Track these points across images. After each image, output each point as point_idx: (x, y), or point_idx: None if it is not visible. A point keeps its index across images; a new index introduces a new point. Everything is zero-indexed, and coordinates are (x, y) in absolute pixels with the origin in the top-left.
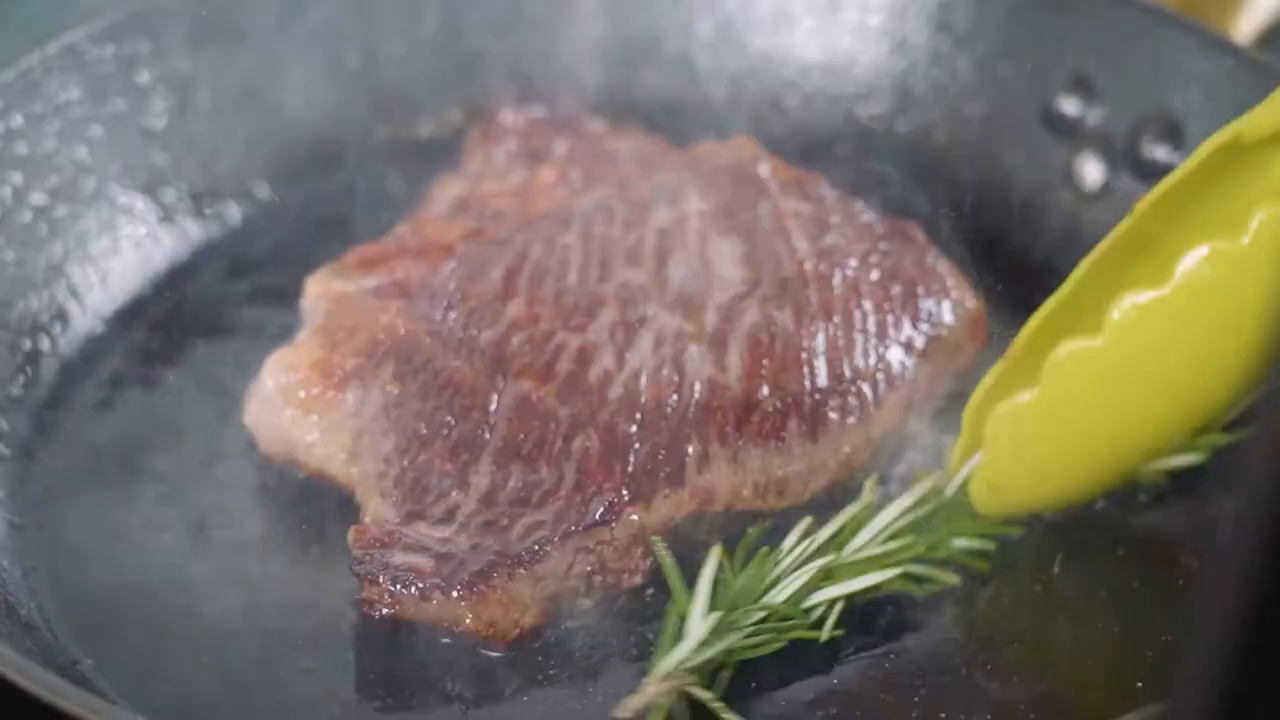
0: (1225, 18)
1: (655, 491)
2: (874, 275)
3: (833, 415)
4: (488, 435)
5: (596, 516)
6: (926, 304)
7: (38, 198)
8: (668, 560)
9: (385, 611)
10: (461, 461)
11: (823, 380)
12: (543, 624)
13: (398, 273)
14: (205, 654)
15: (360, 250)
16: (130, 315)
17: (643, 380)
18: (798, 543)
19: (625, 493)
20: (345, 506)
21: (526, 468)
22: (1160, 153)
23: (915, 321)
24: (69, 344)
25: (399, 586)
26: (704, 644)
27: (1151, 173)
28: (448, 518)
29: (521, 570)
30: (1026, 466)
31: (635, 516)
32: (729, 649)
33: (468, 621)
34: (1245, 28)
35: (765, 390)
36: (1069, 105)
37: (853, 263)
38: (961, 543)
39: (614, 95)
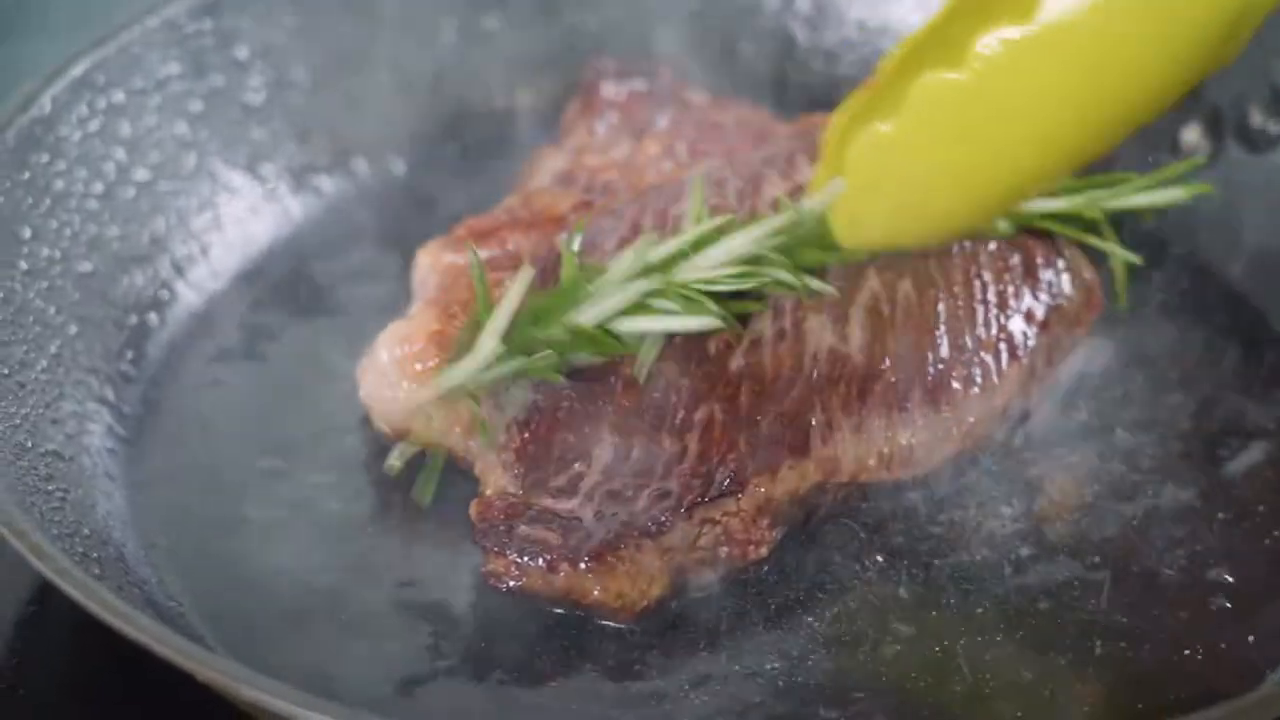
0: None
1: (780, 462)
2: (992, 245)
3: (955, 385)
4: (608, 407)
5: (722, 488)
6: (1046, 274)
7: (140, 173)
8: (478, 271)
9: (511, 584)
10: (583, 433)
11: (945, 350)
12: (670, 595)
13: (509, 244)
14: (328, 630)
15: (470, 222)
16: (234, 291)
17: (764, 350)
18: (624, 262)
19: (750, 464)
20: (464, 480)
21: (649, 439)
22: (1269, 123)
23: (1035, 292)
24: (174, 320)
25: (525, 558)
26: (495, 362)
27: (1260, 143)
28: (571, 489)
29: (648, 541)
30: (886, 197)
31: (761, 488)
32: (516, 370)
33: (595, 593)
34: None
35: (887, 360)
36: None
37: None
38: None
39: (711, 69)
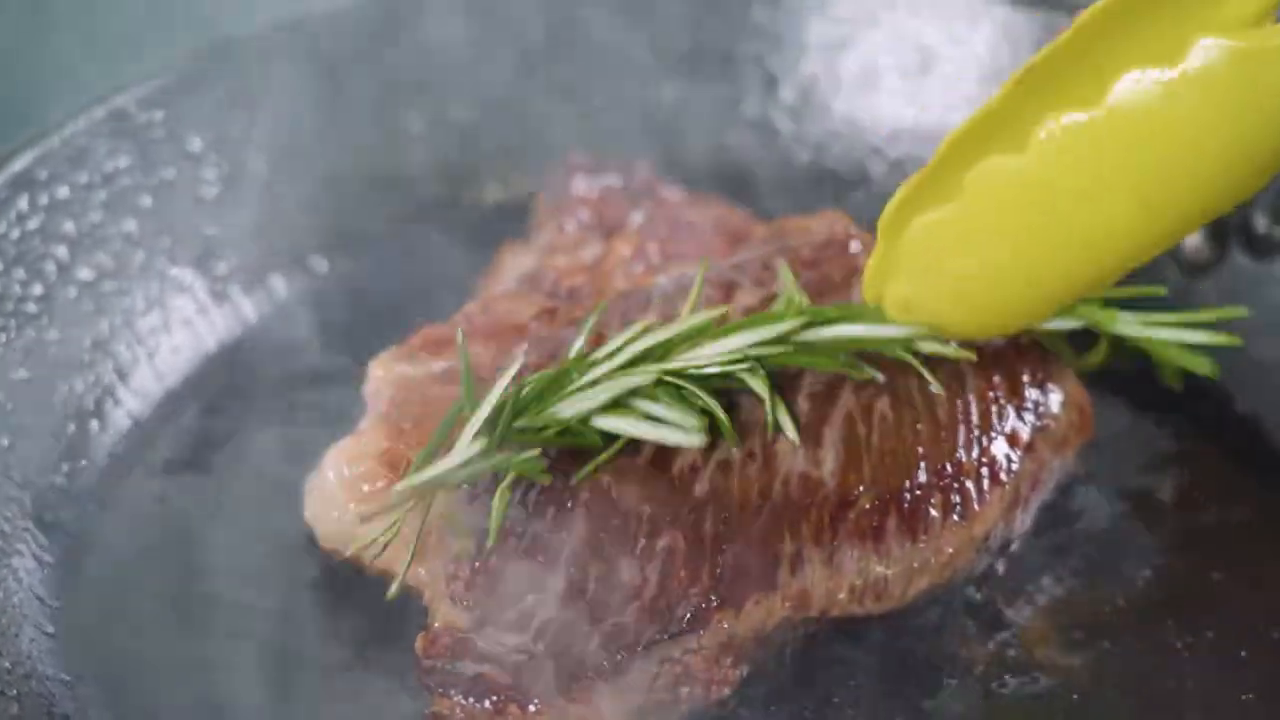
0: None
1: (746, 596)
2: (975, 363)
3: (934, 513)
4: (565, 535)
5: (683, 624)
6: (1032, 393)
7: (83, 273)
8: (466, 363)
9: None
10: (538, 562)
11: (923, 475)
12: None
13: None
14: None
15: (426, 331)
16: (181, 397)
17: (731, 474)
18: (606, 357)
19: (714, 597)
20: (412, 607)
21: (607, 570)
22: (1274, 229)
23: (1020, 412)
24: (115, 429)
25: (472, 700)
26: (475, 459)
27: (1263, 249)
28: (523, 624)
29: (603, 682)
30: (941, 284)
31: (725, 623)
32: (498, 464)
33: None
34: None
35: (861, 487)
36: None
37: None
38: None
39: (690, 163)
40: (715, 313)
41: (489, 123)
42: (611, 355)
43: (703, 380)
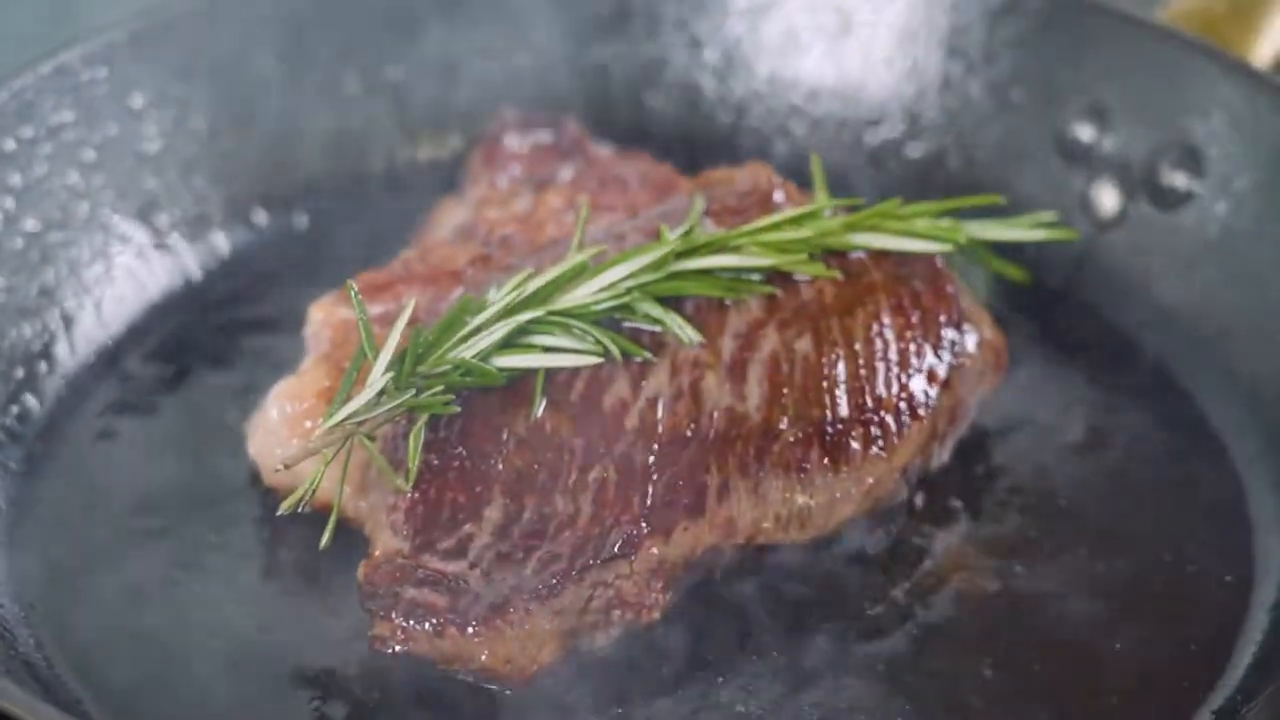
0: (1244, 42)
1: (675, 524)
2: (894, 302)
3: (855, 445)
4: (500, 466)
5: (614, 550)
6: (948, 333)
7: (30, 223)
8: (363, 316)
9: (397, 648)
10: (474, 493)
11: (844, 410)
12: (560, 659)
13: (404, 299)
14: (208, 692)
15: (364, 276)
16: (125, 344)
17: (660, 409)
18: (505, 295)
19: (644, 525)
20: (353, 540)
21: (541, 499)
22: (1179, 179)
23: (937, 350)
24: (63, 373)
25: (412, 622)
26: (382, 396)
27: (1170, 200)
28: (460, 551)
29: (538, 605)
30: None
31: (655, 550)
32: (409, 404)
33: (483, 658)
34: (1264, 52)
35: (785, 420)
36: (1084, 132)
37: (873, 290)
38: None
39: (617, 122)
40: (592, 252)
41: (420, 83)
42: (502, 299)
43: (590, 315)
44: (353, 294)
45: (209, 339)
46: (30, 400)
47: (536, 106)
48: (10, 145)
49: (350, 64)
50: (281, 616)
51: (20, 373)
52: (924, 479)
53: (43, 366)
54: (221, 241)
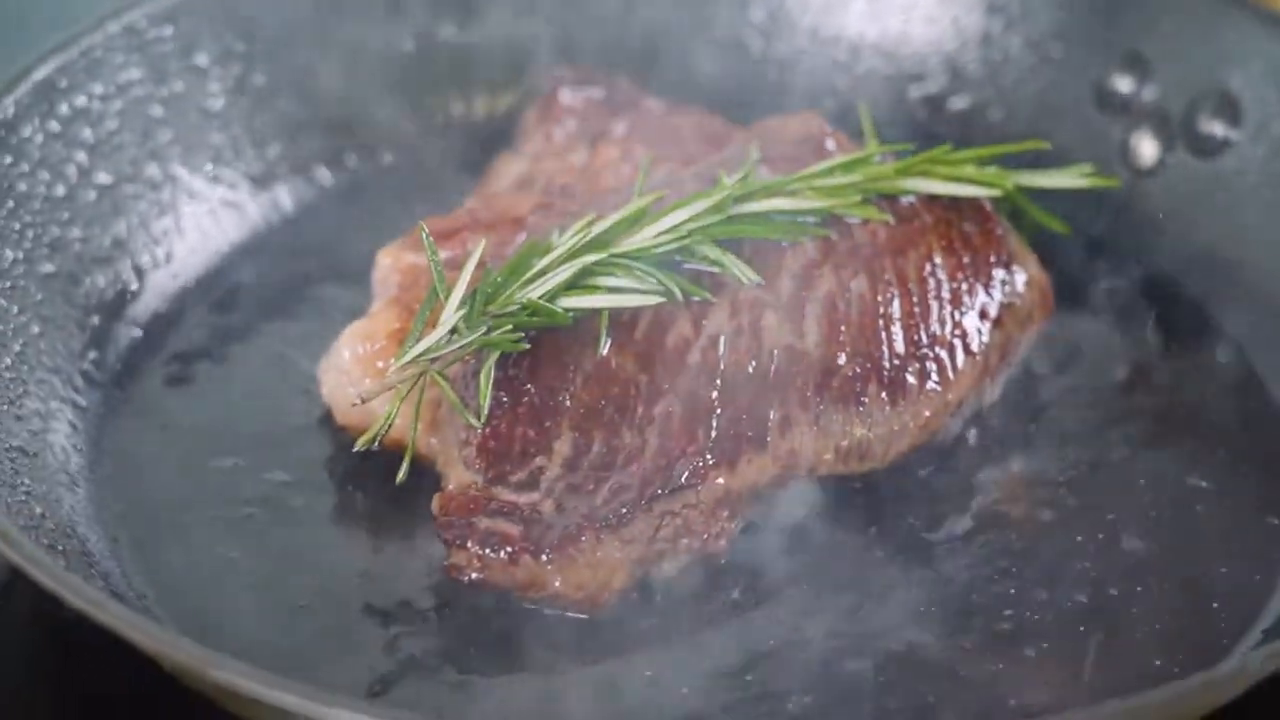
0: None
1: (739, 455)
2: (945, 244)
3: (911, 380)
4: (568, 401)
5: (682, 480)
6: (998, 272)
7: (102, 177)
8: (434, 258)
9: (473, 576)
10: (543, 427)
11: (900, 346)
12: (630, 586)
13: (469, 244)
14: (289, 624)
15: (430, 221)
16: (196, 294)
17: (721, 346)
18: (569, 238)
19: (709, 456)
20: (424, 476)
21: (609, 433)
22: (1217, 128)
23: (988, 289)
24: (136, 321)
25: (487, 550)
26: (454, 334)
27: (1209, 148)
28: (531, 483)
29: (609, 533)
30: None
31: (720, 480)
32: (480, 341)
33: (556, 585)
34: None
35: (843, 356)
36: (1122, 83)
37: (924, 232)
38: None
39: (664, 80)
40: (652, 197)
41: (474, 41)
42: (567, 242)
43: (651, 257)
44: (425, 237)
45: (275, 289)
46: (106, 346)
47: (586, 63)
48: (82, 101)
49: (406, 23)
50: (358, 549)
51: (96, 320)
52: (976, 415)
53: (117, 314)
54: (285, 195)
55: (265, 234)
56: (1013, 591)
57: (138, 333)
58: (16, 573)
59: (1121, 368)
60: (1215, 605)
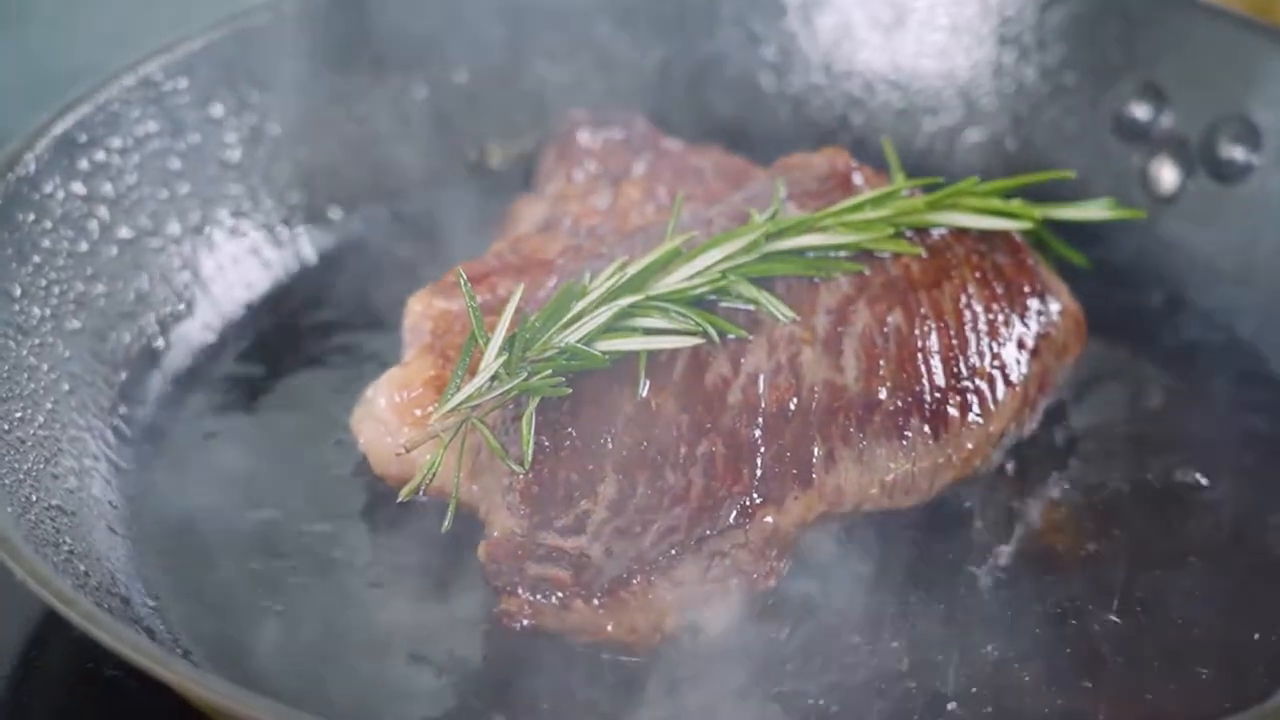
0: None
1: (785, 493)
2: (978, 275)
3: (953, 412)
4: (610, 444)
5: (730, 520)
6: (1033, 303)
7: (123, 231)
8: (473, 304)
9: (525, 623)
10: (587, 471)
11: (940, 378)
12: (682, 628)
13: (499, 289)
14: (337, 676)
15: (460, 267)
16: (220, 346)
17: (761, 384)
18: (604, 281)
19: (756, 495)
20: (466, 523)
21: (653, 474)
22: (1238, 153)
23: (1024, 320)
24: (164, 375)
25: (538, 596)
26: (494, 381)
27: (1229, 173)
28: (577, 527)
29: (659, 575)
30: None
31: (769, 519)
32: (521, 387)
33: (609, 628)
34: None
35: (884, 390)
36: (1140, 110)
37: (957, 264)
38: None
39: (678, 120)
40: (684, 238)
41: (486, 87)
42: (602, 285)
43: (685, 299)
44: (463, 283)
45: (301, 338)
46: (136, 402)
47: (600, 105)
48: (101, 156)
49: (419, 69)
50: (401, 598)
51: (124, 375)
52: (1015, 446)
53: (144, 369)
54: (305, 244)
55: (288, 283)
56: (1065, 622)
57: (167, 386)
58: (51, 619)
59: (1153, 394)
60: (1265, 634)
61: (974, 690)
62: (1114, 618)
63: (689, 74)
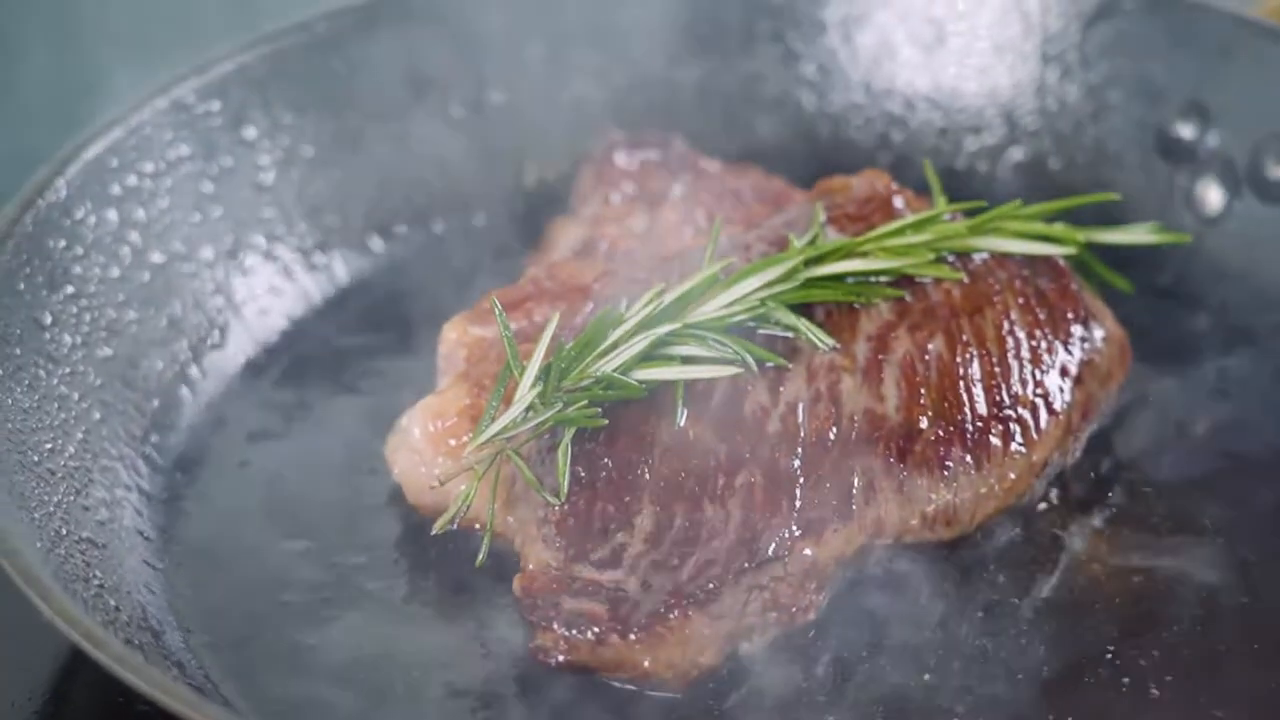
0: None
1: (825, 525)
2: (1021, 301)
3: (995, 441)
4: (647, 475)
5: (768, 553)
6: (1076, 329)
7: (155, 256)
8: (507, 333)
9: (560, 658)
10: (624, 503)
11: (982, 407)
12: (720, 663)
13: (535, 316)
14: (371, 711)
15: (497, 293)
16: (254, 372)
17: (800, 414)
18: (641, 309)
19: (795, 528)
20: (501, 554)
21: (691, 506)
22: None
23: (1068, 346)
24: (196, 403)
25: (574, 631)
26: (529, 411)
27: (1276, 193)
28: (614, 560)
29: (696, 609)
30: None
31: (807, 551)
32: (556, 418)
33: (646, 664)
34: None
35: (925, 419)
36: (1184, 130)
37: (999, 290)
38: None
39: (716, 139)
40: (722, 264)
41: (522, 107)
42: (638, 313)
43: (723, 326)
44: (497, 311)
45: (335, 364)
46: (168, 430)
47: (637, 126)
48: (133, 181)
49: (455, 89)
50: (436, 632)
51: (156, 403)
52: (1059, 475)
53: (176, 396)
54: (340, 268)
55: (321, 308)
56: (1109, 656)
57: (198, 414)
58: (81, 653)
59: (1199, 419)
60: None
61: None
62: (1157, 652)
63: (727, 93)
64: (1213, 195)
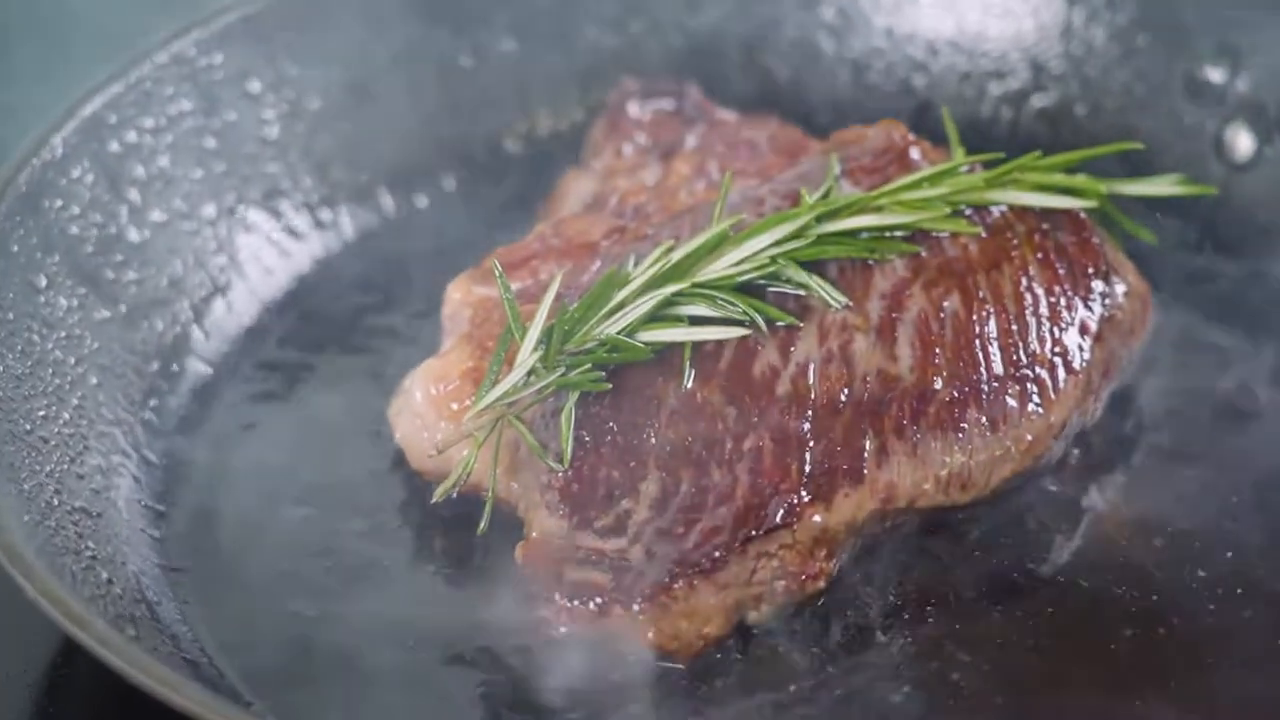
0: None
1: (835, 490)
2: (1040, 256)
3: (1011, 402)
4: (653, 440)
5: (776, 519)
6: (1097, 284)
7: (155, 215)
8: (508, 295)
9: (563, 629)
10: (629, 468)
11: (998, 367)
12: (726, 633)
13: (541, 274)
14: (373, 684)
15: (500, 252)
16: (257, 332)
17: (810, 375)
18: (647, 268)
19: (804, 493)
20: (504, 520)
21: (697, 472)
22: None
23: (1088, 302)
24: (196, 365)
25: (576, 602)
26: (531, 376)
27: None
28: (618, 528)
29: (702, 579)
30: None
31: (817, 518)
32: (559, 383)
33: (650, 635)
34: None
35: (939, 379)
36: (1214, 74)
37: (1018, 244)
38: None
39: (734, 87)
40: (731, 221)
41: (534, 54)
42: (645, 273)
43: (733, 285)
44: (497, 273)
45: (339, 323)
46: (168, 394)
47: (653, 73)
48: (132, 137)
49: (464, 37)
50: (439, 600)
51: (155, 365)
52: (1079, 436)
53: (177, 359)
54: (347, 223)
55: (326, 265)
56: (1130, 622)
57: (199, 377)
58: None
59: (1226, 375)
60: None
61: (1028, 690)
62: (1178, 620)
63: (744, 37)
64: (1242, 141)
